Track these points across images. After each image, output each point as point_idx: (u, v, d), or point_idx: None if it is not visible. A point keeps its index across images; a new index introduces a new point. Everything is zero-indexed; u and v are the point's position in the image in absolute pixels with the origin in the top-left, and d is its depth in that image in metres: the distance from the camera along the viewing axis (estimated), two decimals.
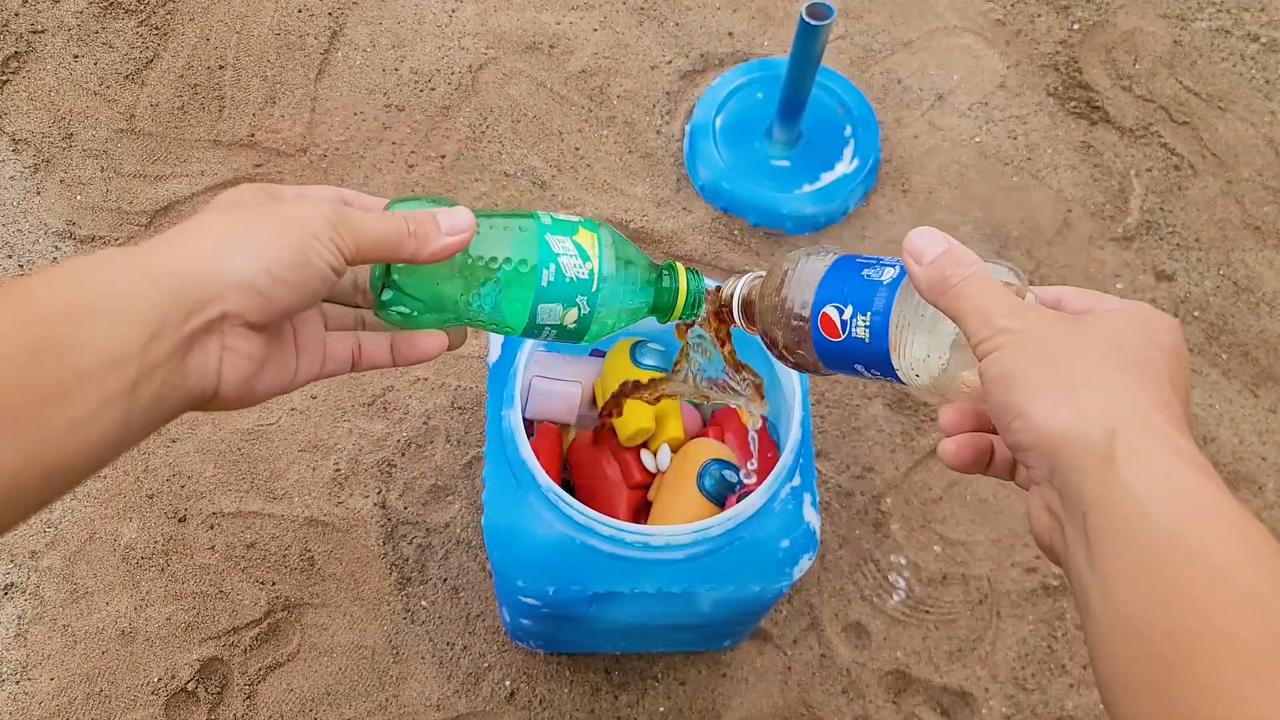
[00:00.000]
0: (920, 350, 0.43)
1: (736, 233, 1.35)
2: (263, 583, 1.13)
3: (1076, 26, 1.55)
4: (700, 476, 0.82)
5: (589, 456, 0.88)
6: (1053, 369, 0.35)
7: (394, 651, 1.10)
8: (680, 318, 0.55)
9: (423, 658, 1.10)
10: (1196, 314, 1.34)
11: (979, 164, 1.43)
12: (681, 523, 0.76)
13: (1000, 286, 0.39)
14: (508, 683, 1.10)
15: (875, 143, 1.39)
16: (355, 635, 1.11)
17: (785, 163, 1.38)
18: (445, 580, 1.14)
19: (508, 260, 0.46)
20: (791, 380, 0.79)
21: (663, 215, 1.36)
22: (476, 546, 1.15)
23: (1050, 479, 0.36)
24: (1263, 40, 1.55)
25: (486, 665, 1.10)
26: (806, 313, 0.47)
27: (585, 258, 0.48)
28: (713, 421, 0.91)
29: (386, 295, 0.45)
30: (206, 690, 1.08)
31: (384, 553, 1.15)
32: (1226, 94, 1.50)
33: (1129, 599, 0.32)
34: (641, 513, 0.87)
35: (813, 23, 1.13)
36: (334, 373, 0.45)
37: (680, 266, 0.55)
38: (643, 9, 1.52)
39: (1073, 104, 1.48)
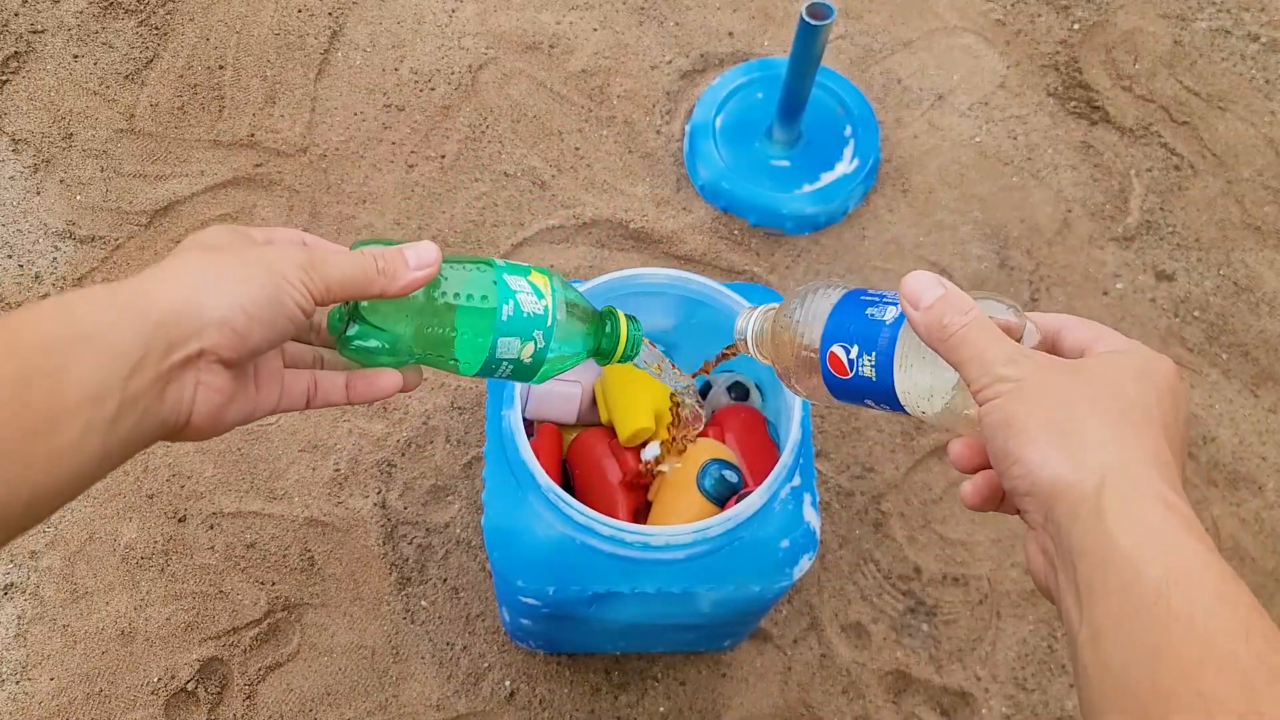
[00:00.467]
0: (924, 388, 0.44)
1: (736, 233, 1.35)
2: (263, 583, 1.13)
3: (1076, 26, 1.55)
4: (700, 476, 0.82)
5: (589, 456, 0.88)
6: (1049, 418, 0.37)
7: (394, 651, 1.10)
8: (619, 360, 0.59)
9: (423, 658, 1.10)
10: (1196, 314, 1.34)
11: (979, 164, 1.43)
12: (681, 523, 0.76)
13: (998, 332, 0.40)
14: (508, 683, 1.09)
15: (875, 143, 1.39)
16: (355, 635, 1.11)
17: (785, 163, 1.38)
18: (445, 580, 1.14)
19: (470, 296, 0.49)
20: None
21: (663, 215, 1.36)
22: (476, 546, 1.15)
23: (1045, 525, 0.37)
24: (1263, 40, 1.55)
25: (486, 665, 1.10)
26: (815, 351, 0.48)
27: (540, 295, 0.51)
28: (713, 421, 0.91)
29: (352, 331, 0.47)
30: (206, 690, 1.08)
31: (384, 553, 1.15)
32: (1226, 94, 1.50)
33: (1114, 653, 0.33)
34: (641, 513, 0.87)
35: (813, 23, 1.13)
36: (290, 408, 0.47)
37: (620, 313, 0.58)
38: (643, 9, 1.52)
39: (1073, 104, 1.48)
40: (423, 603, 1.13)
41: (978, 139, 1.45)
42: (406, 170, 1.38)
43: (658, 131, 1.42)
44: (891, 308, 0.46)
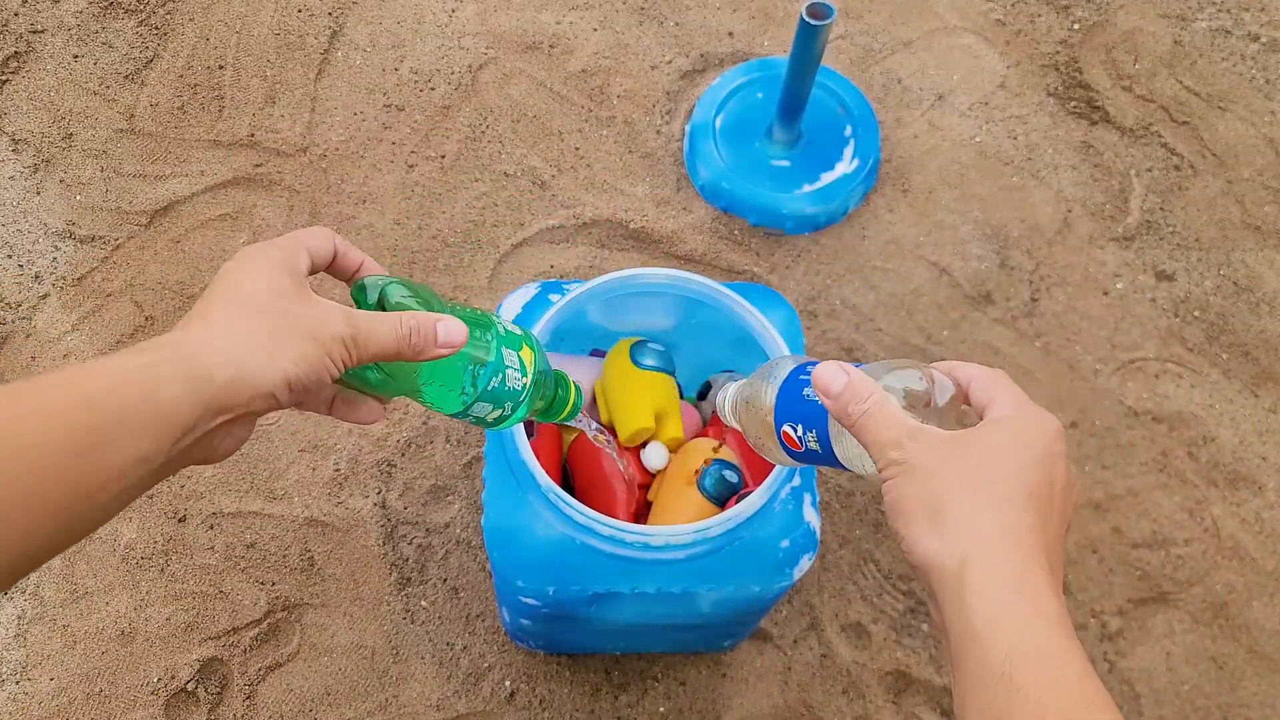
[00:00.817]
0: (858, 454, 0.49)
1: (736, 233, 1.35)
2: (263, 583, 1.13)
3: (1077, 26, 1.54)
4: (700, 477, 0.81)
5: (589, 456, 0.88)
6: (924, 501, 0.42)
7: (394, 652, 1.10)
8: (561, 420, 0.65)
9: (423, 658, 1.10)
10: (1196, 314, 1.34)
11: (979, 164, 1.43)
12: (681, 523, 0.76)
13: (893, 416, 0.45)
14: (508, 683, 1.09)
15: (875, 143, 1.39)
16: (355, 635, 1.11)
17: (785, 163, 1.38)
18: (445, 580, 1.14)
19: (474, 362, 0.53)
20: None
21: (663, 215, 1.36)
22: (476, 546, 1.15)
23: (929, 596, 0.43)
24: (1263, 40, 1.55)
25: (486, 665, 1.10)
26: (772, 433, 0.54)
27: (524, 372, 0.55)
28: (713, 421, 0.91)
29: (352, 372, 0.49)
30: (206, 690, 1.08)
31: (384, 553, 1.15)
32: (1227, 94, 1.50)
33: (971, 718, 0.39)
34: (641, 513, 0.87)
35: (813, 23, 1.13)
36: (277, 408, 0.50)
37: (570, 381, 0.63)
38: (643, 9, 1.52)
39: (1073, 104, 1.48)
40: (423, 603, 1.13)
41: (978, 139, 1.45)
42: (406, 170, 1.38)
43: (658, 131, 1.42)
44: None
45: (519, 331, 0.56)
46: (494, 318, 0.55)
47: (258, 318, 0.43)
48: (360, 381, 0.50)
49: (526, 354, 0.56)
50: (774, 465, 0.76)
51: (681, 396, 0.94)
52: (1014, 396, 0.46)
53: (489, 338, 0.53)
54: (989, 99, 1.48)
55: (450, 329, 0.48)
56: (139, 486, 0.40)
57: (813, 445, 0.51)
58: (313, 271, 0.49)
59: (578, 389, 0.64)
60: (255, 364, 0.42)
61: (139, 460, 0.39)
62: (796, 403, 0.52)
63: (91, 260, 1.30)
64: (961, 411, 0.49)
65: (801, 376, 0.53)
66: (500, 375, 0.54)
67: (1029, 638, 0.38)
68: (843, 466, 0.51)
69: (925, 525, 0.41)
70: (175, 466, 0.42)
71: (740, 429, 0.61)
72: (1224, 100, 1.49)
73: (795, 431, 0.52)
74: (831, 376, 0.47)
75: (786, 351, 0.80)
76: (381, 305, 0.50)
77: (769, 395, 0.55)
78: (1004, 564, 0.39)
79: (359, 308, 0.49)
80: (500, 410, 0.55)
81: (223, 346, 0.42)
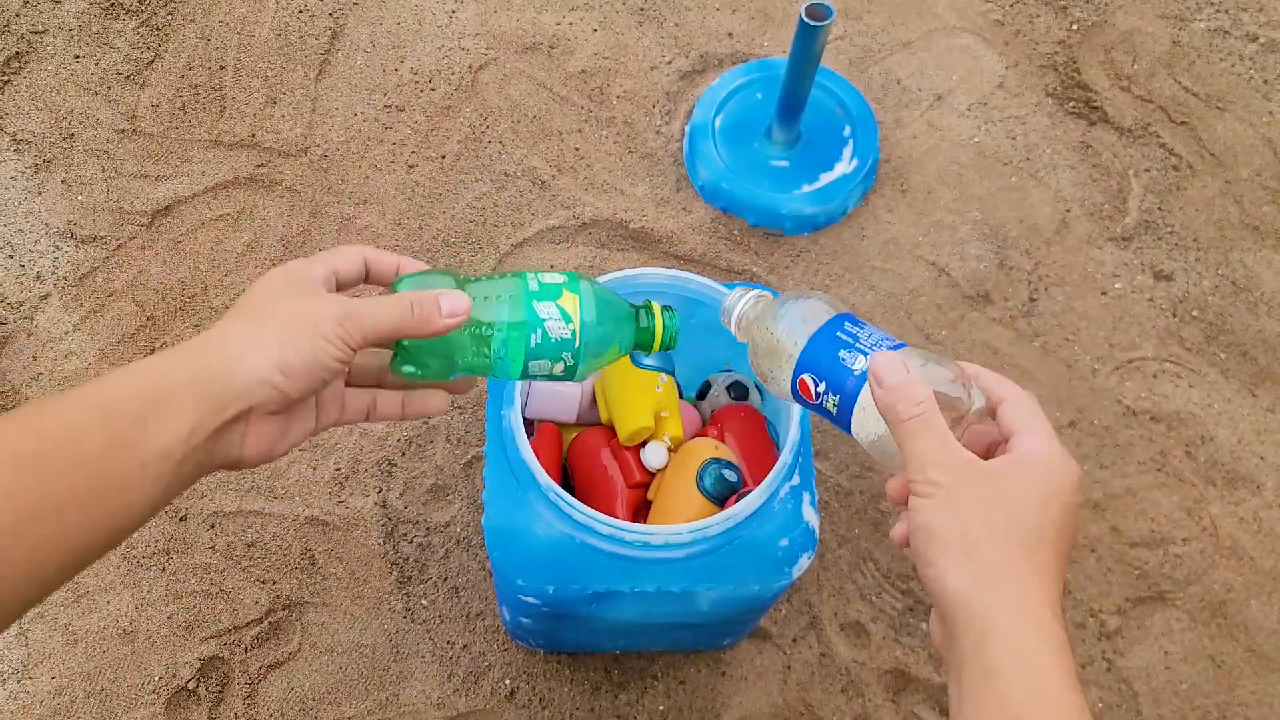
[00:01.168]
0: (874, 434, 0.50)
1: (736, 233, 1.36)
2: (263, 582, 1.13)
3: (1075, 27, 1.55)
4: (700, 476, 0.82)
5: (589, 456, 0.88)
6: (961, 534, 0.44)
7: (394, 650, 1.11)
8: (660, 350, 0.62)
9: (423, 657, 1.10)
10: (1195, 314, 1.34)
11: (978, 164, 1.43)
12: (681, 522, 0.77)
13: (940, 430, 0.46)
14: (508, 681, 1.10)
15: (874, 143, 1.39)
16: (355, 634, 1.11)
17: (784, 163, 1.38)
18: (445, 579, 1.14)
19: (500, 326, 0.54)
20: None
21: (662, 215, 1.36)
22: (476, 546, 1.15)
23: (943, 620, 0.45)
24: (1261, 40, 1.55)
25: (487, 664, 1.11)
26: (788, 368, 0.54)
27: (568, 319, 0.55)
28: (712, 421, 0.91)
29: (399, 358, 0.53)
30: (207, 689, 1.08)
31: (384, 552, 1.15)
32: (1225, 94, 1.50)
33: None
34: (641, 512, 0.87)
35: (812, 23, 1.13)
36: (350, 422, 0.54)
37: (656, 306, 0.62)
38: (643, 9, 1.52)
39: (1071, 104, 1.49)
40: (423, 602, 1.13)
41: (976, 139, 1.45)
42: (407, 170, 1.38)
43: (657, 132, 1.43)
44: (862, 358, 0.51)
45: (560, 279, 0.56)
46: (526, 275, 0.56)
47: (255, 318, 0.47)
48: (412, 376, 0.53)
49: (569, 300, 0.56)
50: (773, 465, 0.76)
51: (681, 396, 0.94)
52: (1046, 431, 0.48)
53: (514, 293, 0.54)
54: (988, 99, 1.48)
55: (452, 300, 0.50)
56: (169, 481, 0.43)
57: (828, 405, 0.51)
58: (343, 287, 0.52)
59: (668, 311, 0.62)
60: (248, 354, 0.45)
61: (161, 454, 0.42)
62: (829, 360, 0.52)
63: (93, 260, 1.30)
64: (985, 424, 0.50)
65: (841, 335, 0.52)
66: (539, 330, 0.54)
67: (1048, 685, 0.42)
68: (841, 428, 0.52)
69: (958, 560, 0.43)
70: (202, 468, 0.45)
71: (744, 340, 0.59)
72: (1222, 100, 1.50)
73: (816, 386, 0.52)
74: (890, 368, 0.48)
75: None
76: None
77: (797, 336, 0.54)
78: (1031, 612, 0.42)
79: None
80: (560, 362, 0.56)
81: (222, 346, 0.45)
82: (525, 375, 0.56)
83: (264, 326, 0.46)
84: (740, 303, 0.61)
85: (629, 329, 0.60)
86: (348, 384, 0.55)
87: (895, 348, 0.51)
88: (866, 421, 0.50)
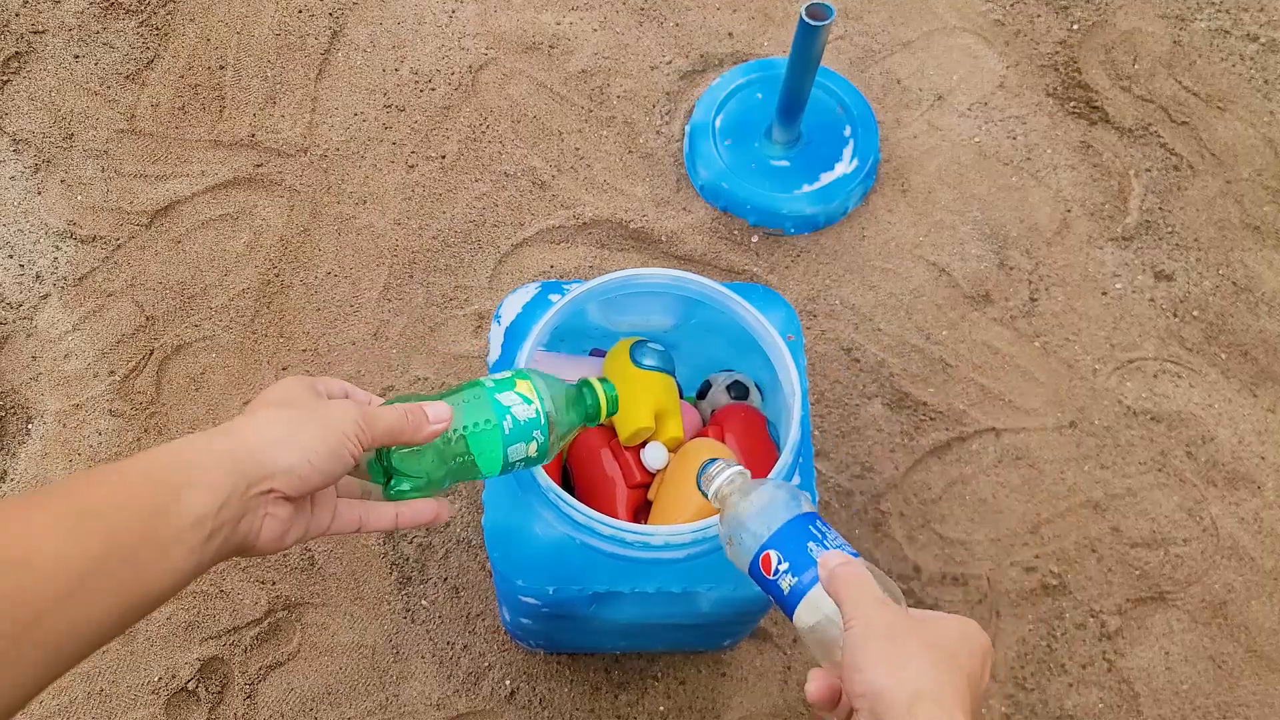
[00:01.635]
0: (815, 619, 0.58)
1: (736, 233, 1.35)
2: (263, 582, 1.13)
3: (1076, 27, 1.55)
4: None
5: (589, 456, 0.88)
6: (890, 646, 0.51)
7: (394, 651, 1.11)
8: (606, 417, 0.68)
9: (423, 657, 1.10)
10: (1196, 314, 1.34)
11: (978, 164, 1.43)
12: (682, 522, 0.76)
13: (875, 592, 0.54)
14: (508, 682, 1.10)
15: (875, 143, 1.39)
16: (355, 635, 1.11)
17: (785, 163, 1.38)
18: (445, 580, 1.14)
19: (477, 424, 0.60)
20: (791, 379, 0.80)
21: (663, 215, 1.36)
22: (477, 546, 1.15)
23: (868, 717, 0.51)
24: (1262, 40, 1.55)
25: (487, 664, 1.10)
26: (754, 542, 0.61)
27: (528, 401, 0.62)
28: (712, 421, 0.91)
29: (393, 484, 0.58)
30: (207, 689, 1.08)
31: (384, 552, 1.15)
32: (1226, 94, 1.50)
33: None
34: (642, 513, 0.87)
35: (812, 23, 1.13)
36: (341, 531, 0.58)
37: (595, 380, 0.68)
38: (643, 9, 1.52)
39: (1072, 104, 1.48)
40: (423, 602, 1.13)
41: (977, 139, 1.45)
42: (407, 170, 1.38)
43: (658, 132, 1.43)
44: (824, 555, 0.59)
45: (508, 375, 0.64)
46: (480, 380, 0.63)
47: (283, 412, 0.53)
48: (404, 495, 0.58)
49: (524, 386, 0.62)
50: (774, 465, 0.76)
51: (681, 396, 0.94)
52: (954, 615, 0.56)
53: (477, 393, 0.61)
54: (988, 99, 1.48)
55: (436, 408, 0.58)
56: (200, 553, 0.47)
57: (784, 585, 0.59)
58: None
59: (604, 384, 0.68)
60: (279, 446, 0.51)
61: (194, 523, 0.46)
62: (797, 547, 0.60)
63: (92, 260, 1.30)
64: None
65: (812, 529, 0.61)
66: (508, 416, 0.61)
67: None
68: (782, 607, 0.60)
69: (886, 663, 0.50)
70: (226, 546, 0.49)
71: (717, 507, 0.67)
72: (1223, 100, 1.50)
73: (779, 564, 0.60)
74: (835, 559, 0.58)
75: (786, 353, 0.80)
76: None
77: (771, 518, 0.62)
78: (949, 709, 0.48)
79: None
80: (534, 441, 0.62)
81: (254, 433, 0.51)
82: (505, 466, 0.62)
83: (293, 420, 0.52)
84: (721, 475, 0.67)
85: (579, 403, 0.66)
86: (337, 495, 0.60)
87: (853, 555, 0.60)
88: (814, 607, 0.58)
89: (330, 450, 0.52)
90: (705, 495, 0.68)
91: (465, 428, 0.60)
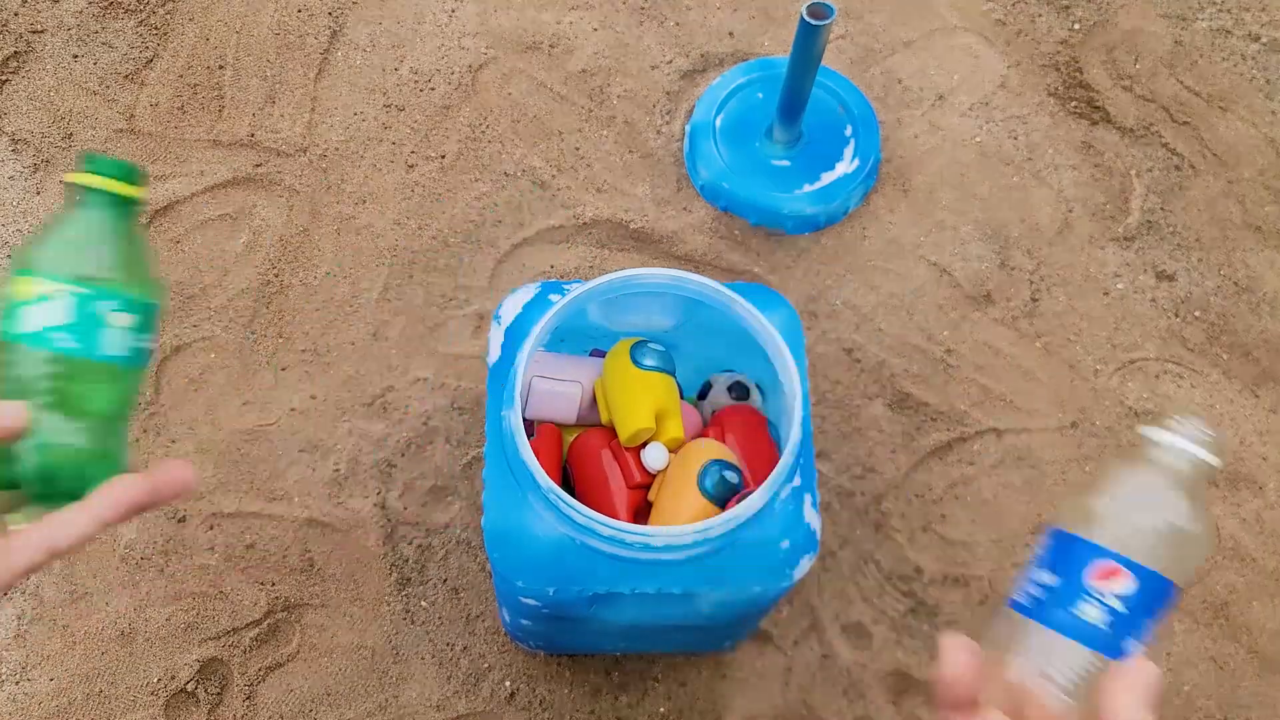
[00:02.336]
0: (1086, 667, 0.51)
1: (737, 233, 1.35)
2: (262, 583, 1.13)
3: (1077, 26, 1.54)
4: (701, 477, 0.81)
5: (589, 457, 0.88)
6: None
7: (394, 652, 1.10)
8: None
9: (423, 658, 1.10)
10: (1197, 314, 1.34)
11: (979, 164, 1.43)
12: (682, 523, 0.76)
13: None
14: (508, 683, 1.09)
15: (876, 142, 1.39)
16: (355, 636, 1.11)
17: (785, 163, 1.38)
18: (445, 581, 1.14)
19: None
20: (792, 380, 0.79)
21: (663, 215, 1.36)
22: (476, 547, 1.15)
23: None
24: (1263, 40, 1.55)
25: (487, 666, 1.10)
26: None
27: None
28: (713, 422, 0.91)
29: (33, 491, 0.51)
30: (206, 691, 1.08)
31: (384, 553, 1.15)
32: (1227, 94, 1.50)
33: None
34: (641, 513, 0.87)
35: (813, 22, 1.13)
36: (26, 571, 0.48)
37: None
38: (643, 9, 1.52)
39: (1073, 104, 1.48)
40: (423, 603, 1.13)
41: (978, 139, 1.45)
42: (406, 170, 1.38)
43: (658, 131, 1.42)
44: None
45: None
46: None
47: None
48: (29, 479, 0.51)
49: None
50: (775, 466, 0.76)
51: (681, 396, 0.93)
52: None
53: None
54: (989, 99, 1.48)
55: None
56: None
57: (1118, 607, 0.51)
58: None
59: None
60: None
61: None
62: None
63: None
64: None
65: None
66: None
67: None
68: (1112, 651, 0.51)
69: None
70: None
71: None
72: (1225, 100, 1.49)
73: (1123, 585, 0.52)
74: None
75: (787, 353, 0.80)
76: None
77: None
78: None
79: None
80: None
81: None
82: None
83: None
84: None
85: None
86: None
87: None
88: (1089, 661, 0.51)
89: None
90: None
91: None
